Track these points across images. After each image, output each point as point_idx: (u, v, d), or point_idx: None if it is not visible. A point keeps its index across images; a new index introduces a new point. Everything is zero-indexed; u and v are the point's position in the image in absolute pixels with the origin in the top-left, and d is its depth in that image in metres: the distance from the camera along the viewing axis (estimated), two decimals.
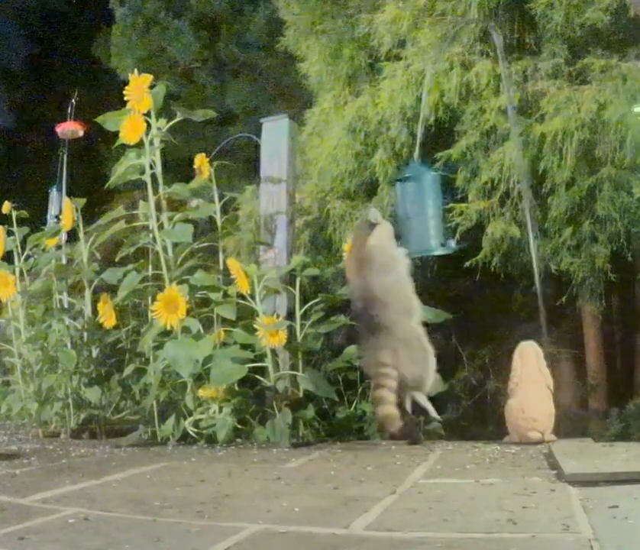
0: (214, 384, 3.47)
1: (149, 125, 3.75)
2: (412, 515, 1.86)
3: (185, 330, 3.60)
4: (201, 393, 3.52)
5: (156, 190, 3.81)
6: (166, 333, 3.62)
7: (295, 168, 4.36)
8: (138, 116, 3.69)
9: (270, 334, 3.55)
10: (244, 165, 7.50)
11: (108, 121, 3.80)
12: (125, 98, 3.70)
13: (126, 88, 3.70)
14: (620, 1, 3.70)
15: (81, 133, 8.90)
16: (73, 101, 8.82)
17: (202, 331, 3.62)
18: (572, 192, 3.70)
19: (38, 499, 2.13)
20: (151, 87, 3.73)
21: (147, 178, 3.78)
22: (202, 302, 3.79)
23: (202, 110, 4.22)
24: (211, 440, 3.43)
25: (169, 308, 3.48)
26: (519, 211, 3.85)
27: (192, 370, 3.46)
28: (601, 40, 3.84)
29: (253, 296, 3.66)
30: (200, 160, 4.02)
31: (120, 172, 3.81)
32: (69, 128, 8.83)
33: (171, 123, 3.81)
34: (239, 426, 3.51)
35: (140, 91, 3.68)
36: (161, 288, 3.70)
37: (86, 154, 11.12)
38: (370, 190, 4.45)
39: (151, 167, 3.78)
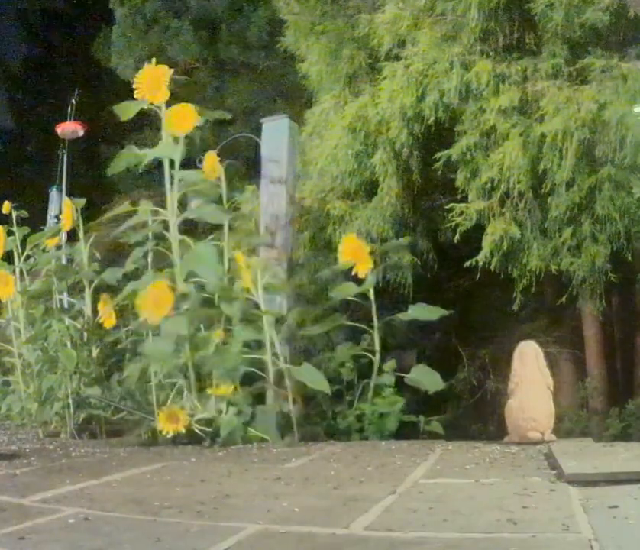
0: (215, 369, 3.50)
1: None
2: (412, 515, 1.86)
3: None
4: (211, 392, 3.54)
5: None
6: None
7: (295, 168, 4.37)
8: (187, 106, 3.62)
9: None
10: (244, 165, 7.50)
11: (120, 110, 3.73)
12: (135, 86, 3.62)
13: (137, 76, 3.62)
14: (620, 1, 3.69)
15: (81, 133, 8.91)
16: (73, 101, 8.83)
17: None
18: (572, 192, 3.70)
19: (38, 499, 2.13)
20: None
21: (175, 173, 3.71)
22: (205, 301, 3.80)
23: (218, 111, 4.21)
24: (213, 439, 3.43)
25: (155, 304, 3.43)
26: (519, 211, 3.85)
27: (166, 367, 3.49)
28: (601, 40, 3.83)
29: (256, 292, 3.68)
30: (210, 160, 3.98)
31: (154, 153, 3.72)
32: (69, 128, 8.83)
33: (203, 118, 3.76)
34: (243, 425, 3.52)
35: (157, 82, 3.60)
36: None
37: (86, 154, 11.12)
38: (369, 190, 4.45)
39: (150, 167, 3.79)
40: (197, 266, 3.63)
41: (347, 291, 3.85)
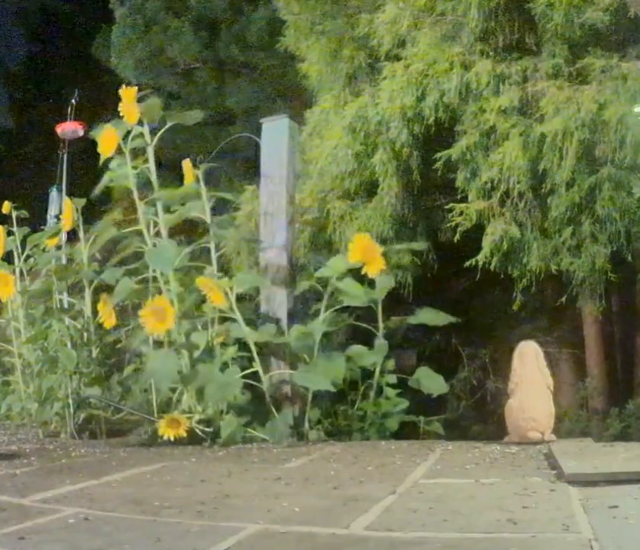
0: (211, 400, 3.50)
1: (140, 134, 3.84)
2: (412, 515, 1.86)
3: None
4: None
5: (151, 194, 3.88)
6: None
7: (295, 168, 4.36)
8: (112, 130, 3.82)
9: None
10: (243, 165, 7.50)
11: (98, 135, 3.93)
12: (120, 114, 3.81)
13: (120, 104, 3.81)
14: (620, 1, 3.69)
15: (81, 133, 8.91)
16: (73, 101, 8.84)
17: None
18: (572, 192, 3.70)
19: (38, 499, 2.13)
20: (149, 94, 3.81)
21: (132, 186, 3.85)
22: (202, 302, 3.80)
23: (191, 113, 4.26)
24: (213, 440, 3.43)
25: (158, 317, 3.50)
26: (519, 211, 3.85)
27: (171, 384, 3.54)
28: (601, 40, 3.83)
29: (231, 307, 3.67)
30: (187, 166, 4.07)
31: (102, 184, 3.95)
32: (69, 128, 8.85)
33: (162, 131, 3.88)
34: (244, 426, 3.52)
35: (130, 103, 3.78)
36: (159, 289, 3.74)
37: (86, 154, 11.11)
38: (369, 190, 4.45)
39: (139, 176, 3.86)
40: (154, 260, 3.72)
41: (358, 295, 3.80)
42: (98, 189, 4.00)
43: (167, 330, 3.55)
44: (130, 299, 4.08)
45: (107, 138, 3.83)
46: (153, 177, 3.85)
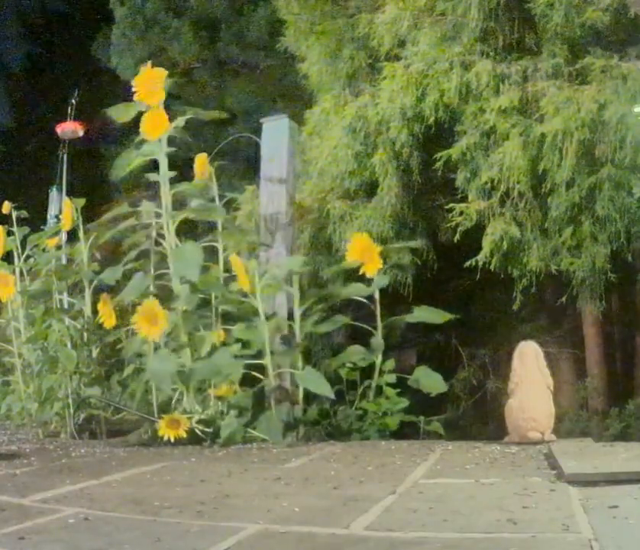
0: (215, 378, 3.51)
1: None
2: (412, 515, 1.86)
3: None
4: (213, 392, 3.54)
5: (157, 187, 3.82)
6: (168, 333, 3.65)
7: (295, 168, 4.36)
8: (160, 112, 3.60)
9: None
10: (243, 165, 7.50)
11: (116, 112, 3.74)
12: (133, 90, 3.59)
13: (135, 78, 3.59)
14: (620, 1, 3.70)
15: (81, 133, 8.93)
16: (73, 101, 8.86)
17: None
18: (572, 192, 3.70)
19: (38, 499, 2.12)
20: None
21: (161, 177, 3.72)
22: (204, 302, 3.80)
23: (213, 111, 4.20)
24: (213, 440, 3.43)
25: (150, 321, 3.45)
26: (519, 211, 3.85)
27: (172, 385, 3.50)
28: (601, 40, 3.84)
29: (254, 294, 3.67)
30: (201, 161, 4.01)
31: (133, 164, 3.73)
32: (69, 128, 8.86)
33: (183, 119, 3.73)
34: (244, 426, 3.52)
35: (153, 84, 3.58)
36: (166, 288, 3.73)
37: (86, 154, 11.14)
38: (369, 190, 4.46)
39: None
40: (179, 263, 3.63)
41: (358, 292, 3.81)
42: (127, 170, 3.79)
43: (160, 332, 3.51)
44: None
45: (154, 120, 3.57)
46: (165, 168, 3.74)
